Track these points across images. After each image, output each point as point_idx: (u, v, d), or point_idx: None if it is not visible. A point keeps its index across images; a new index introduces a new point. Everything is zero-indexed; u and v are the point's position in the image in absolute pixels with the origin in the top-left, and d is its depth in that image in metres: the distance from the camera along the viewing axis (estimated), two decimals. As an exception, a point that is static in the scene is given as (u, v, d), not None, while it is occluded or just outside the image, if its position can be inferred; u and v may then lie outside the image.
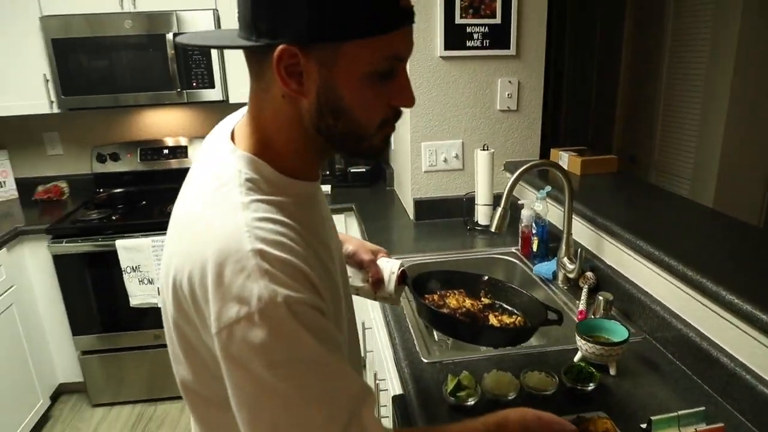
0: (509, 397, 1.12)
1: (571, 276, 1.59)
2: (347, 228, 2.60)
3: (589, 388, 1.14)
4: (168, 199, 2.75)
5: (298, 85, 0.65)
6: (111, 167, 2.95)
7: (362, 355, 1.04)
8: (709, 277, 1.14)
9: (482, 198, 2.09)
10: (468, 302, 1.13)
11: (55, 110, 2.55)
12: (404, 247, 2.01)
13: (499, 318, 1.12)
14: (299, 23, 0.61)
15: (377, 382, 1.63)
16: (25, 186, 2.87)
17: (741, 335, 1.08)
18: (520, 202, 1.87)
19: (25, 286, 2.45)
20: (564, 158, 2.09)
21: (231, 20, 2.53)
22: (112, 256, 2.41)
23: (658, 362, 1.25)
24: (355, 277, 1.10)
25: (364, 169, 2.87)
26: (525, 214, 1.84)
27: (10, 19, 2.43)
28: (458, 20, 2.04)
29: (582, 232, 1.67)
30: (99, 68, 2.48)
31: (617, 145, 3.54)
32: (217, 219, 0.65)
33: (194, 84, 2.56)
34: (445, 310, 1.10)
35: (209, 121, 3.10)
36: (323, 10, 0.60)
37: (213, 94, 2.59)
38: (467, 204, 2.14)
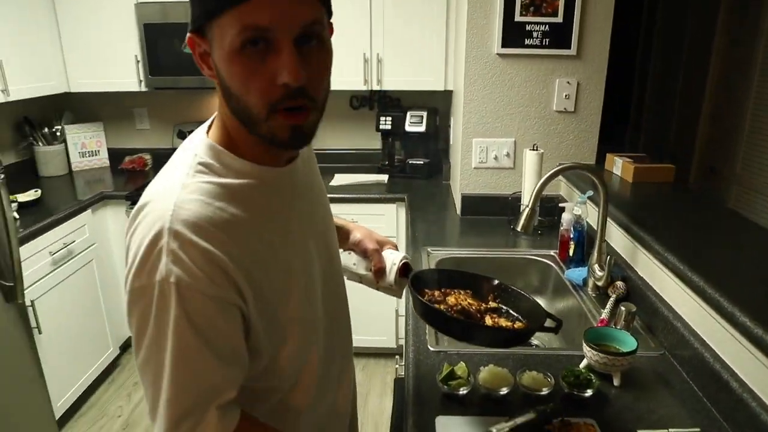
0: (501, 392, 1.14)
1: (599, 284, 1.55)
2: (397, 217, 2.66)
3: (586, 394, 1.13)
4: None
5: (209, 69, 0.70)
6: (190, 144, 3.19)
7: (351, 341, 1.07)
8: (726, 296, 1.09)
9: (528, 198, 2.07)
10: (468, 301, 1.12)
11: (143, 89, 2.80)
12: (445, 241, 2.03)
13: (496, 320, 1.10)
14: (194, 11, 0.68)
15: (396, 366, 1.68)
16: (114, 156, 3.18)
17: (752, 360, 1.03)
18: (561, 205, 1.84)
19: (105, 244, 2.72)
20: (618, 164, 2.02)
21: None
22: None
23: (670, 379, 1.21)
24: (359, 265, 1.13)
25: (422, 162, 2.91)
26: (565, 217, 1.81)
27: (108, 6, 2.69)
28: (518, 18, 2.02)
29: (619, 240, 1.62)
30: (182, 52, 2.69)
31: (698, 154, 3.32)
32: (159, 196, 0.70)
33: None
34: (441, 306, 1.09)
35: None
36: None
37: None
38: (512, 203, 2.12)
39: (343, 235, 1.13)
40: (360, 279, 1.14)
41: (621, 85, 4.40)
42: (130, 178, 2.99)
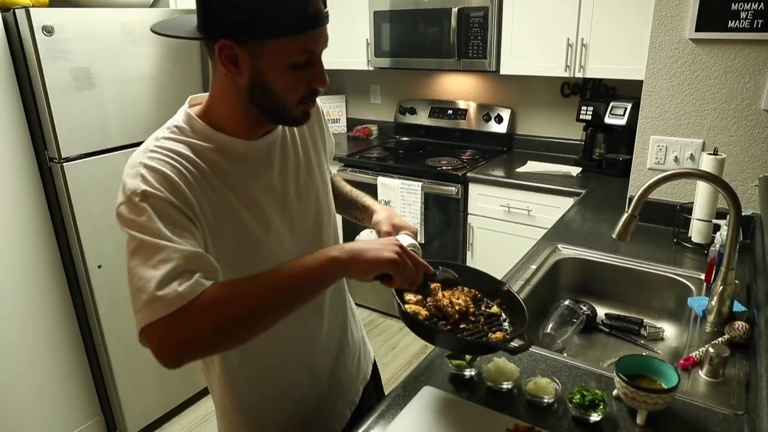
0: (502, 386, 1.12)
1: (710, 318, 1.29)
2: (567, 211, 2.50)
3: (591, 419, 1.03)
4: (441, 154, 3.14)
5: (235, 68, 0.85)
6: (409, 119, 3.52)
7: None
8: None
9: (700, 211, 1.76)
10: (456, 300, 1.08)
11: (369, 68, 3.21)
12: (589, 242, 1.88)
13: (472, 326, 1.06)
14: (235, 25, 0.81)
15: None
16: (352, 124, 3.72)
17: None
18: (715, 222, 1.53)
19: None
20: (835, 184, 1.55)
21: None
22: (375, 189, 2.97)
23: (720, 440, 1.00)
24: None
25: (620, 158, 2.63)
26: (718, 237, 1.51)
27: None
28: (721, -5, 1.70)
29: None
30: (400, 35, 2.99)
31: None
32: (139, 149, 0.89)
33: (470, 54, 2.80)
34: (428, 300, 1.09)
35: (483, 88, 3.32)
36: (251, 16, 0.80)
37: (485, 65, 2.79)
38: (680, 214, 1.83)
39: (369, 213, 1.24)
40: None
41: None
42: (356, 144, 3.47)
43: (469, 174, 2.78)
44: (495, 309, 1.11)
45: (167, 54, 2.26)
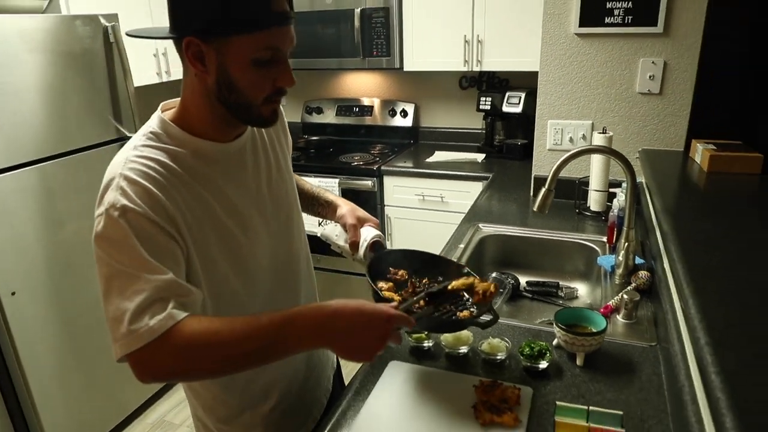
0: (460, 351, 1.24)
1: (619, 271, 1.51)
2: (480, 194, 2.71)
3: (540, 366, 1.18)
4: (351, 150, 3.24)
5: (202, 66, 0.86)
6: (316, 119, 3.58)
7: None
8: (697, 297, 1.05)
9: (596, 183, 2.02)
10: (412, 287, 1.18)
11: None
12: (505, 219, 2.08)
13: (441, 307, 1.16)
14: (199, 22, 0.84)
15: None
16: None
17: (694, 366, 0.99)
18: (612, 190, 1.78)
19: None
20: (699, 151, 1.86)
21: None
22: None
23: (642, 370, 1.19)
24: (340, 237, 1.27)
25: (518, 143, 2.90)
26: (615, 203, 1.75)
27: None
28: (597, -5, 1.95)
29: (657, 231, 1.55)
30: (304, 36, 3.04)
31: None
32: (116, 158, 0.89)
33: (375, 53, 2.93)
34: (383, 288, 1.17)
35: (387, 85, 3.48)
36: (215, 12, 0.82)
37: (389, 62, 2.93)
38: (579, 187, 2.08)
39: (332, 208, 1.31)
40: (340, 250, 1.29)
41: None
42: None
43: (383, 167, 2.91)
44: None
45: (65, 63, 2.14)
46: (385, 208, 2.98)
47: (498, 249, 1.98)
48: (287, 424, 1.18)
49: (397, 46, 2.91)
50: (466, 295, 1.21)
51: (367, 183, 2.92)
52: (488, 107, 2.92)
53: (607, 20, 1.98)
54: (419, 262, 1.27)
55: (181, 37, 0.86)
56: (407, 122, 3.38)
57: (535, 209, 1.53)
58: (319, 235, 1.32)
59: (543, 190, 1.51)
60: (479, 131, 3.17)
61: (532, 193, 2.29)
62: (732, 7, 1.97)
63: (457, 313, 1.15)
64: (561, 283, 1.81)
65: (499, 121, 3.00)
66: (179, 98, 0.96)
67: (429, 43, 2.89)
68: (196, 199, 0.91)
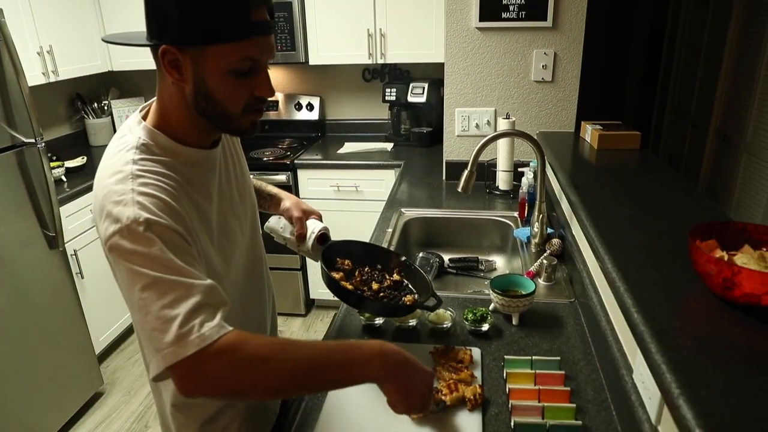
0: (409, 324, 1.34)
1: (536, 241, 1.70)
2: (396, 181, 2.84)
3: (483, 328, 1.31)
4: (260, 146, 3.21)
5: (179, 75, 0.85)
6: (219, 115, 3.50)
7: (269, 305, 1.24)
8: (609, 252, 1.22)
9: (502, 164, 2.21)
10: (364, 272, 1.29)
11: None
12: (424, 203, 2.21)
13: (388, 292, 1.28)
14: (176, 30, 0.82)
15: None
16: (155, 127, 3.53)
17: (614, 301, 1.17)
18: (520, 169, 1.97)
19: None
20: (588, 131, 2.11)
21: (313, -11, 2.85)
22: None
23: (567, 322, 1.37)
24: (285, 229, 1.31)
25: (424, 131, 3.06)
26: (524, 181, 1.94)
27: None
28: (494, -8, 2.13)
29: (565, 202, 1.75)
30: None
31: (715, 124, 3.27)
32: (113, 171, 0.84)
33: (280, 47, 2.94)
34: (340, 278, 1.25)
35: (291, 79, 3.50)
36: (191, 21, 0.81)
37: (294, 57, 2.96)
38: (488, 169, 2.27)
39: (275, 201, 1.33)
40: (285, 241, 1.32)
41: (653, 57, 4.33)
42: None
43: (296, 161, 2.94)
44: (396, 277, 1.33)
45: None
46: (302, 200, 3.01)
47: (421, 231, 2.11)
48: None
49: (301, 40, 2.93)
50: (405, 281, 1.33)
51: (282, 177, 2.93)
52: (393, 98, 3.04)
53: (503, 15, 2.17)
54: (360, 250, 1.36)
55: (157, 45, 0.84)
56: (313, 115, 3.42)
57: (459, 190, 1.67)
58: (264, 227, 1.35)
59: (465, 172, 1.65)
60: (385, 121, 3.29)
61: (444, 177, 2.45)
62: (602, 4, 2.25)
63: (403, 298, 1.27)
64: (480, 257, 1.98)
65: (404, 110, 3.14)
66: (154, 101, 0.94)
67: (333, 37, 2.95)
68: (195, 208, 0.91)
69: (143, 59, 3.13)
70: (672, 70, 4.09)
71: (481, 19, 2.18)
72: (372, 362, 0.85)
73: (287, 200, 1.33)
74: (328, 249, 1.29)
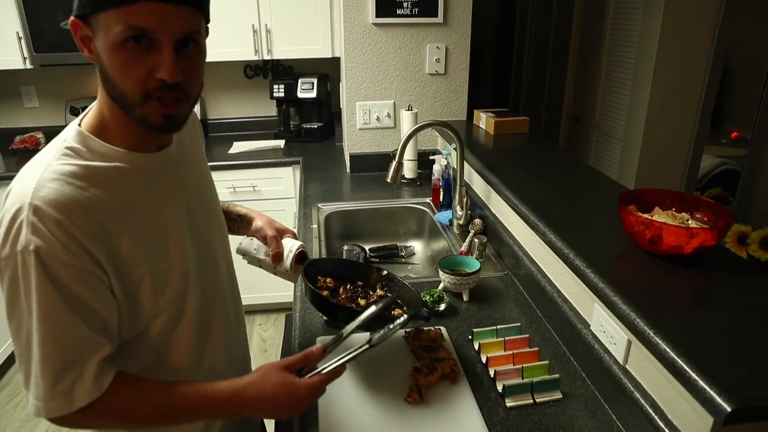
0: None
1: (460, 222, 1.84)
2: (294, 179, 2.84)
3: (441, 308, 1.40)
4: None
5: (90, 52, 0.77)
6: (83, 120, 3.17)
7: (237, 321, 1.15)
8: (542, 219, 1.38)
9: (407, 154, 2.32)
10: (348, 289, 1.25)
11: (29, 66, 2.76)
12: (336, 196, 2.25)
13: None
14: (78, 0, 0.75)
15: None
16: (5, 136, 3.11)
17: (556, 264, 1.33)
18: (432, 157, 2.10)
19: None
20: (483, 119, 2.30)
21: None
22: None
23: (508, 292, 1.51)
24: (259, 250, 1.22)
25: (315, 126, 3.08)
26: (436, 168, 2.07)
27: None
28: (388, -10, 2.22)
29: (478, 184, 1.91)
30: (66, 28, 2.67)
31: (568, 107, 3.73)
32: (23, 178, 0.77)
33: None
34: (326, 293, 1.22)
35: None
36: None
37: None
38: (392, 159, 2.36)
39: (246, 222, 1.23)
40: (259, 263, 1.24)
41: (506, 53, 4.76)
42: (22, 157, 2.94)
43: (185, 164, 2.78)
44: (380, 292, 1.29)
45: None
46: (193, 206, 2.86)
47: (340, 224, 2.15)
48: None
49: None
50: (390, 294, 1.27)
51: (171, 182, 2.76)
52: (282, 94, 3.01)
53: (398, 12, 2.27)
54: (339, 267, 1.31)
55: (71, 17, 0.77)
56: (193, 115, 3.24)
57: (388, 180, 1.74)
58: (234, 251, 1.23)
59: (394, 163, 1.72)
60: (273, 118, 3.24)
61: (349, 170, 2.51)
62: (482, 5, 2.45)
63: (392, 312, 1.21)
64: (398, 244, 2.07)
65: (293, 106, 3.12)
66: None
67: (214, 32, 2.81)
68: (126, 220, 0.82)
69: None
70: (524, 57, 4.55)
71: (378, 15, 2.26)
72: (243, 410, 0.89)
73: (258, 219, 1.23)
74: (309, 267, 1.22)
